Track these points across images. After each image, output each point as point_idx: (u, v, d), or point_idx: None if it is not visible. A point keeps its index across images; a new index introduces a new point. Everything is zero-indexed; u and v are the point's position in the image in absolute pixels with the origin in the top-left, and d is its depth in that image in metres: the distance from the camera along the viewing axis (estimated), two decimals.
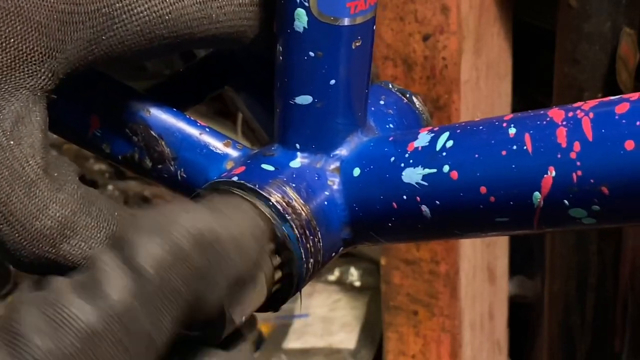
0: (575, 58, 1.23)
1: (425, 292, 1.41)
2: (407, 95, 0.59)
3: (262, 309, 0.50)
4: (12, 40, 0.44)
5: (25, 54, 0.45)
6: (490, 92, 1.37)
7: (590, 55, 1.22)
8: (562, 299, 1.36)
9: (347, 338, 1.69)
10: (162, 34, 0.49)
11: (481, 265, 1.45)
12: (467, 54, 1.28)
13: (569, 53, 1.23)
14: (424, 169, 0.50)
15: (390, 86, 0.59)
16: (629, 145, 0.44)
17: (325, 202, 0.52)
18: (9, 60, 0.44)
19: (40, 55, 0.45)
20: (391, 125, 0.57)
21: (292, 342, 1.71)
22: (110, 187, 1.77)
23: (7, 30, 0.44)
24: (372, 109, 0.57)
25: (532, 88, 1.47)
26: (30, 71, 0.45)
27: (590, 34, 1.21)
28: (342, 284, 1.77)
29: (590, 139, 0.45)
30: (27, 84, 0.46)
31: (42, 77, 0.46)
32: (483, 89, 1.34)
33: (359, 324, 1.71)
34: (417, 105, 0.59)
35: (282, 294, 0.51)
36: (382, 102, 0.58)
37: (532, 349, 1.62)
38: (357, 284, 1.76)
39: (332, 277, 1.78)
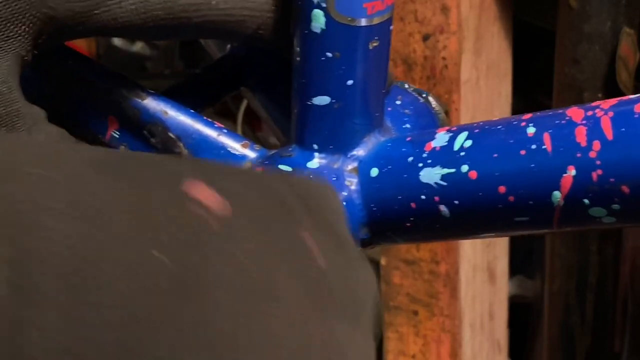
0: (575, 58, 1.23)
1: (425, 292, 1.41)
2: (424, 95, 0.59)
3: None
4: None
5: (16, 14, 0.45)
6: (490, 92, 1.37)
7: (590, 55, 1.22)
8: (562, 299, 1.36)
9: None
10: (158, 14, 0.49)
11: (481, 265, 1.45)
12: (467, 53, 1.28)
13: (569, 53, 1.23)
14: (442, 168, 0.50)
15: (407, 86, 0.59)
16: None
17: (343, 203, 0.52)
18: (1, 19, 0.45)
19: (32, 18, 0.46)
20: (408, 126, 0.57)
21: None
22: None
23: None
24: (389, 109, 0.57)
25: (532, 88, 1.47)
26: (19, 32, 0.46)
27: (590, 34, 1.21)
28: None
29: (610, 137, 0.46)
30: (14, 44, 0.46)
31: (29, 40, 0.46)
32: (483, 89, 1.34)
33: None
34: (434, 105, 0.59)
35: None
36: (398, 102, 0.58)
37: (532, 349, 1.62)
38: None
39: None
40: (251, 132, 1.73)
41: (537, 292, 1.60)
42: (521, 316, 1.61)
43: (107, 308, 0.28)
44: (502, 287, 1.53)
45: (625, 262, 1.36)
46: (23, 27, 0.46)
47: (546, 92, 1.31)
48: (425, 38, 1.26)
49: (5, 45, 0.46)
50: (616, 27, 1.21)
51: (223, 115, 1.74)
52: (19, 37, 0.46)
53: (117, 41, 1.84)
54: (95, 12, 0.48)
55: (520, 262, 1.60)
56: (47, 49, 0.49)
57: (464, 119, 1.28)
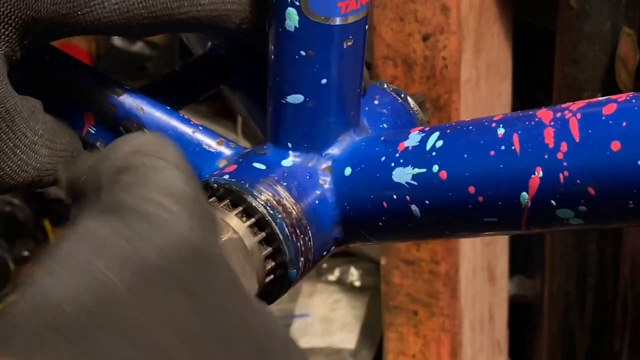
0: (575, 58, 1.23)
1: (425, 292, 1.41)
2: (402, 96, 0.59)
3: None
4: None
5: (1, 17, 0.46)
6: (490, 92, 1.37)
7: (590, 55, 1.22)
8: (562, 298, 1.36)
9: (347, 338, 1.69)
10: (141, 13, 0.50)
11: (481, 265, 1.45)
12: (467, 53, 1.28)
13: (569, 53, 1.23)
14: (413, 168, 0.50)
15: (385, 86, 0.60)
16: (615, 146, 0.44)
17: (317, 201, 0.53)
18: None
19: (17, 20, 0.46)
20: (385, 125, 0.57)
21: None
22: None
23: None
24: (366, 108, 0.57)
25: (532, 88, 1.47)
26: (6, 33, 0.46)
27: (590, 34, 1.21)
28: (342, 284, 1.77)
29: (577, 139, 0.46)
30: (0, 46, 0.46)
31: (15, 43, 0.47)
32: (483, 89, 1.34)
33: (359, 324, 1.71)
34: (412, 106, 0.59)
35: (274, 286, 0.51)
36: (376, 102, 0.58)
37: (532, 349, 1.62)
38: (357, 284, 1.76)
39: (332, 277, 1.77)
40: (251, 132, 1.73)
41: (537, 292, 1.60)
42: (521, 316, 1.61)
43: None
44: (502, 287, 1.53)
45: (625, 262, 1.35)
46: (9, 28, 0.46)
47: (546, 92, 1.31)
48: (425, 38, 1.26)
49: None
50: (616, 27, 1.20)
51: (223, 115, 1.74)
52: (6, 38, 0.47)
53: (117, 41, 1.84)
54: (79, 13, 0.48)
55: (520, 262, 1.60)
56: (33, 49, 0.50)
57: (464, 119, 1.28)
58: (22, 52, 0.49)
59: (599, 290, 1.33)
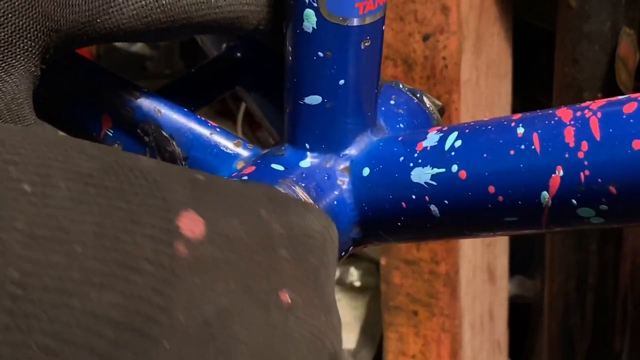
0: (575, 58, 1.23)
1: (425, 292, 1.41)
2: (418, 95, 0.59)
3: None
4: (10, 16, 0.45)
5: (21, 31, 0.46)
6: (490, 92, 1.37)
7: (589, 55, 1.22)
8: (562, 299, 1.36)
9: (347, 338, 1.69)
10: (159, 18, 0.50)
11: (481, 265, 1.45)
12: (467, 53, 1.28)
13: (568, 53, 1.23)
14: (432, 168, 0.50)
15: (401, 86, 0.60)
16: (637, 144, 0.44)
17: (335, 202, 0.53)
18: (6, 36, 0.45)
19: (36, 33, 0.46)
20: (401, 125, 0.57)
21: None
22: None
23: (6, 7, 0.45)
24: (383, 108, 0.57)
25: (532, 88, 1.48)
26: (25, 47, 0.46)
27: (590, 34, 1.21)
28: (342, 284, 1.77)
29: (598, 138, 0.46)
30: (21, 60, 0.46)
31: (36, 54, 0.47)
32: (483, 89, 1.34)
33: (359, 324, 1.71)
34: (428, 105, 0.59)
35: None
36: (392, 102, 0.58)
37: (532, 349, 1.62)
38: (357, 284, 1.75)
39: None
40: (251, 132, 1.73)
41: (537, 292, 1.60)
42: (521, 316, 1.61)
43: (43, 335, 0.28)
44: (502, 287, 1.53)
45: (625, 262, 1.36)
46: (29, 42, 0.46)
47: (546, 92, 1.31)
48: (425, 38, 1.26)
49: (13, 61, 0.46)
50: (616, 27, 1.21)
51: (223, 115, 1.74)
52: (26, 53, 0.46)
53: None
54: (98, 20, 0.48)
55: (520, 262, 1.60)
56: (54, 61, 0.49)
57: (464, 119, 1.28)
58: (43, 67, 0.48)
59: (599, 290, 1.34)
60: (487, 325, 1.51)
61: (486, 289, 1.48)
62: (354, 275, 1.77)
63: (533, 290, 1.63)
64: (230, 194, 0.38)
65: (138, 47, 1.86)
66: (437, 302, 1.41)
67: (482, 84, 1.34)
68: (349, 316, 1.73)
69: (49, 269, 0.29)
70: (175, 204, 0.34)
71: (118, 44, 1.85)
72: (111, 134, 0.56)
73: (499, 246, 1.49)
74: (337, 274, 1.78)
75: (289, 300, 0.37)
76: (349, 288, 1.77)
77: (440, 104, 0.60)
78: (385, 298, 1.45)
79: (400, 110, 0.58)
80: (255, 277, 0.36)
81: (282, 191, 0.49)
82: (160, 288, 0.31)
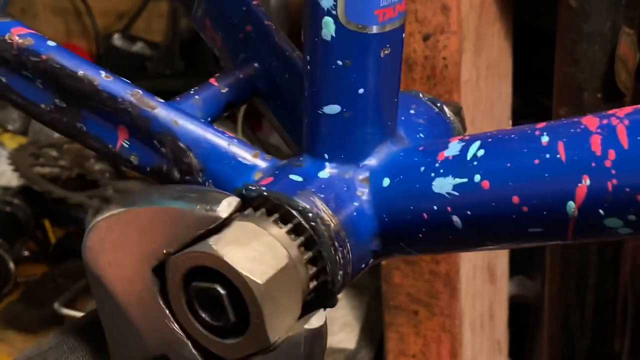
0: (575, 58, 1.23)
1: (425, 292, 1.41)
2: (438, 105, 0.59)
3: None
4: None
5: None
6: (490, 92, 1.36)
7: (589, 55, 1.22)
8: (562, 299, 1.36)
9: (347, 338, 1.68)
10: None
11: (481, 265, 1.45)
12: (467, 53, 1.28)
13: (568, 53, 1.23)
14: (454, 178, 0.50)
15: (421, 95, 0.59)
16: None
17: (355, 213, 0.52)
18: None
19: None
20: (422, 135, 0.57)
21: None
22: (110, 187, 1.76)
23: None
24: (402, 118, 0.56)
25: (532, 88, 1.47)
26: None
27: (590, 34, 1.21)
28: None
29: (626, 146, 0.45)
30: None
31: None
32: (483, 89, 1.34)
33: (359, 324, 1.70)
34: (448, 115, 0.58)
35: (313, 305, 0.50)
36: (412, 112, 0.58)
37: (532, 349, 1.62)
38: (357, 283, 1.75)
39: None
40: (251, 133, 1.73)
41: (537, 292, 1.60)
42: (521, 316, 1.61)
43: None
44: (502, 287, 1.53)
45: (625, 262, 1.36)
46: None
47: (546, 92, 1.30)
48: (426, 38, 1.26)
49: None
50: (616, 27, 1.20)
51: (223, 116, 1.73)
52: None
53: (117, 41, 1.83)
54: None
55: (521, 262, 1.60)
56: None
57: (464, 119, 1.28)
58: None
59: (599, 290, 1.33)
60: (487, 325, 1.51)
61: (486, 289, 1.48)
62: None
63: (533, 290, 1.63)
64: None
65: (138, 47, 1.85)
66: (437, 301, 1.41)
67: (482, 84, 1.33)
68: (349, 316, 1.72)
69: None
70: None
71: (118, 44, 1.84)
72: (127, 146, 0.55)
73: None
74: None
75: None
76: (349, 288, 1.77)
77: (459, 105, 0.59)
78: (386, 298, 1.44)
79: (421, 120, 0.57)
80: None
81: None
82: None
